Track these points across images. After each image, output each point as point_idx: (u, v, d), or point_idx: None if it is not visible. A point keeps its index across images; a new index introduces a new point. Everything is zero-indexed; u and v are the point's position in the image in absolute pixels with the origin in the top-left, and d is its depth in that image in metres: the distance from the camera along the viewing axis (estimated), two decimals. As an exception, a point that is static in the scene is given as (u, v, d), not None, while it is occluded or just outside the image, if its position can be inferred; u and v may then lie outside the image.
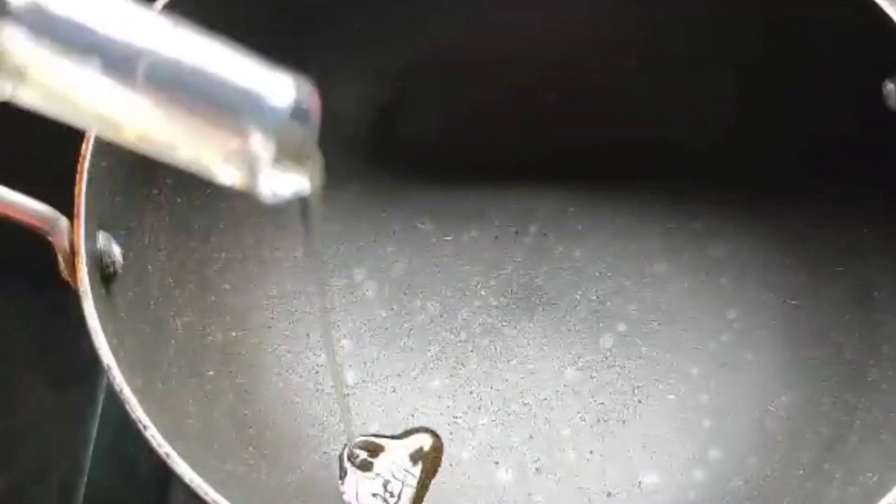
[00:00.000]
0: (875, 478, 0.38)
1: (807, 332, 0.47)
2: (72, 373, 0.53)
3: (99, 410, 0.52)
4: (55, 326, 0.55)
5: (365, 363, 0.48)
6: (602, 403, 0.48)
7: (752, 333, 0.48)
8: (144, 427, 0.33)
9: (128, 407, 0.33)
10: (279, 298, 0.49)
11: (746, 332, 0.48)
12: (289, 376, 0.47)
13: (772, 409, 0.46)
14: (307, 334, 0.49)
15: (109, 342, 0.34)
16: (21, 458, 0.51)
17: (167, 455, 0.32)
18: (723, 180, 0.50)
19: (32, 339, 0.55)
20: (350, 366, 0.48)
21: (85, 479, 0.50)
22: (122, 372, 0.34)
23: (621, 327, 0.49)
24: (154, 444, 0.32)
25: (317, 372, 0.48)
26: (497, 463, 0.46)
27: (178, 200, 0.44)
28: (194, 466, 0.33)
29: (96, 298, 0.35)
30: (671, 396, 0.48)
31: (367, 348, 0.49)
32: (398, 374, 0.48)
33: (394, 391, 0.48)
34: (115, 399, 0.50)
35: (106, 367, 0.33)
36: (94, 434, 0.51)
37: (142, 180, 0.42)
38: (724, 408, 0.47)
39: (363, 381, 0.48)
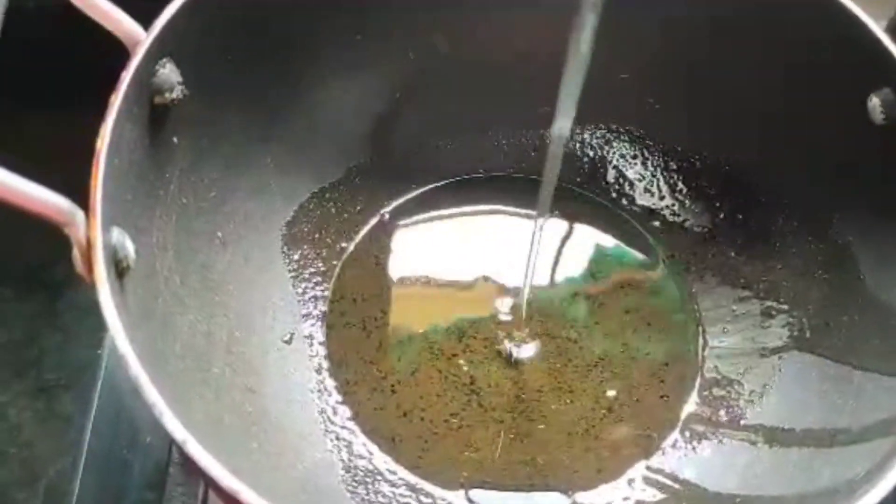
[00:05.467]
0: (862, 475, 0.39)
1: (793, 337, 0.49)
2: (62, 378, 0.53)
3: (92, 416, 0.52)
4: (44, 332, 0.55)
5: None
6: (598, 402, 0.49)
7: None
8: (161, 413, 0.33)
9: (144, 395, 0.34)
10: (281, 300, 0.50)
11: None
12: (291, 375, 0.48)
13: (760, 409, 0.47)
14: (309, 335, 0.49)
15: (127, 332, 0.35)
16: (7, 463, 0.51)
17: (184, 441, 0.33)
18: (701, 188, 0.53)
19: (20, 345, 0.55)
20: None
21: (77, 484, 0.50)
22: (141, 360, 0.35)
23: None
24: (170, 429, 0.33)
25: (318, 371, 0.49)
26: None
27: (184, 202, 0.45)
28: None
29: (112, 292, 0.36)
30: (663, 397, 0.49)
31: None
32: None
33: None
34: (108, 405, 0.51)
35: (122, 357, 0.34)
36: (86, 440, 0.51)
37: (151, 180, 0.43)
38: (717, 408, 0.48)
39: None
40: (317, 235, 0.52)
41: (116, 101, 0.40)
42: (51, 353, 0.54)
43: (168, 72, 0.43)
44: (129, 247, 0.39)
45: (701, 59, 0.50)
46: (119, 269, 0.38)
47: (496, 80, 0.54)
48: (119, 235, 0.39)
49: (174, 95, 0.43)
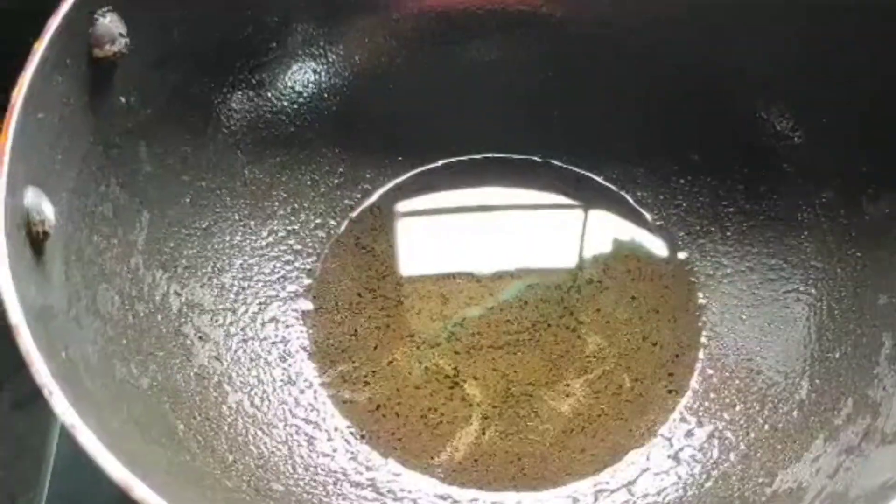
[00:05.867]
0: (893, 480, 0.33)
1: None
2: (37, 393, 0.49)
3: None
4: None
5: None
6: (596, 397, 0.43)
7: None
8: (50, 393, 0.29)
9: (33, 371, 0.29)
10: (244, 279, 0.45)
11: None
12: (252, 360, 0.43)
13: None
14: (274, 318, 0.45)
15: (23, 302, 0.31)
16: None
17: (73, 427, 0.29)
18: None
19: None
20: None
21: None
22: (37, 338, 0.30)
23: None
24: (57, 409, 0.29)
25: (282, 358, 0.44)
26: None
27: (135, 167, 0.42)
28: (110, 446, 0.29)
29: (14, 257, 0.32)
30: (671, 392, 0.43)
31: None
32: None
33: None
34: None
35: (14, 329, 0.30)
36: (52, 453, 0.46)
37: (91, 142, 0.39)
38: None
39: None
40: (289, 209, 0.47)
41: (40, 48, 0.36)
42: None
43: (108, 22, 0.39)
44: (48, 210, 0.35)
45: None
46: (33, 235, 0.34)
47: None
48: (34, 196, 0.34)
49: (116, 49, 0.39)
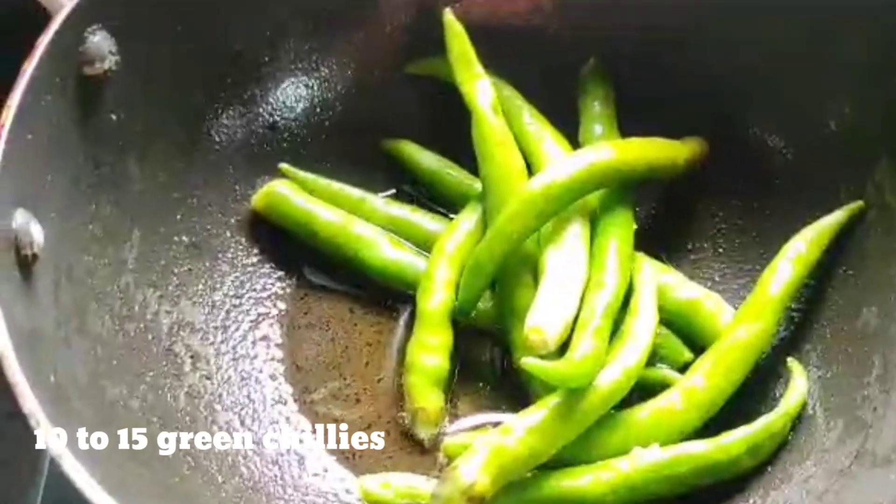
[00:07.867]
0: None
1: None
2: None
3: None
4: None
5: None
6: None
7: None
8: (37, 423, 0.29)
9: (20, 399, 0.29)
10: (236, 297, 0.45)
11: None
12: (244, 380, 0.43)
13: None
14: (266, 337, 0.45)
15: (10, 327, 0.31)
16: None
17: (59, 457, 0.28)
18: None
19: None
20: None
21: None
22: (24, 364, 0.30)
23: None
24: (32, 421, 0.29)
25: (273, 377, 0.44)
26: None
27: (126, 186, 0.42)
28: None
29: (2, 281, 0.32)
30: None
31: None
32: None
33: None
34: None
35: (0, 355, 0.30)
36: (47, 459, 0.44)
37: (81, 161, 0.39)
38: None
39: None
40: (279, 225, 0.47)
41: (30, 68, 0.36)
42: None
43: (99, 40, 0.39)
44: (37, 232, 0.35)
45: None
46: (22, 257, 0.34)
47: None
48: (23, 219, 0.35)
49: (106, 66, 0.39)
